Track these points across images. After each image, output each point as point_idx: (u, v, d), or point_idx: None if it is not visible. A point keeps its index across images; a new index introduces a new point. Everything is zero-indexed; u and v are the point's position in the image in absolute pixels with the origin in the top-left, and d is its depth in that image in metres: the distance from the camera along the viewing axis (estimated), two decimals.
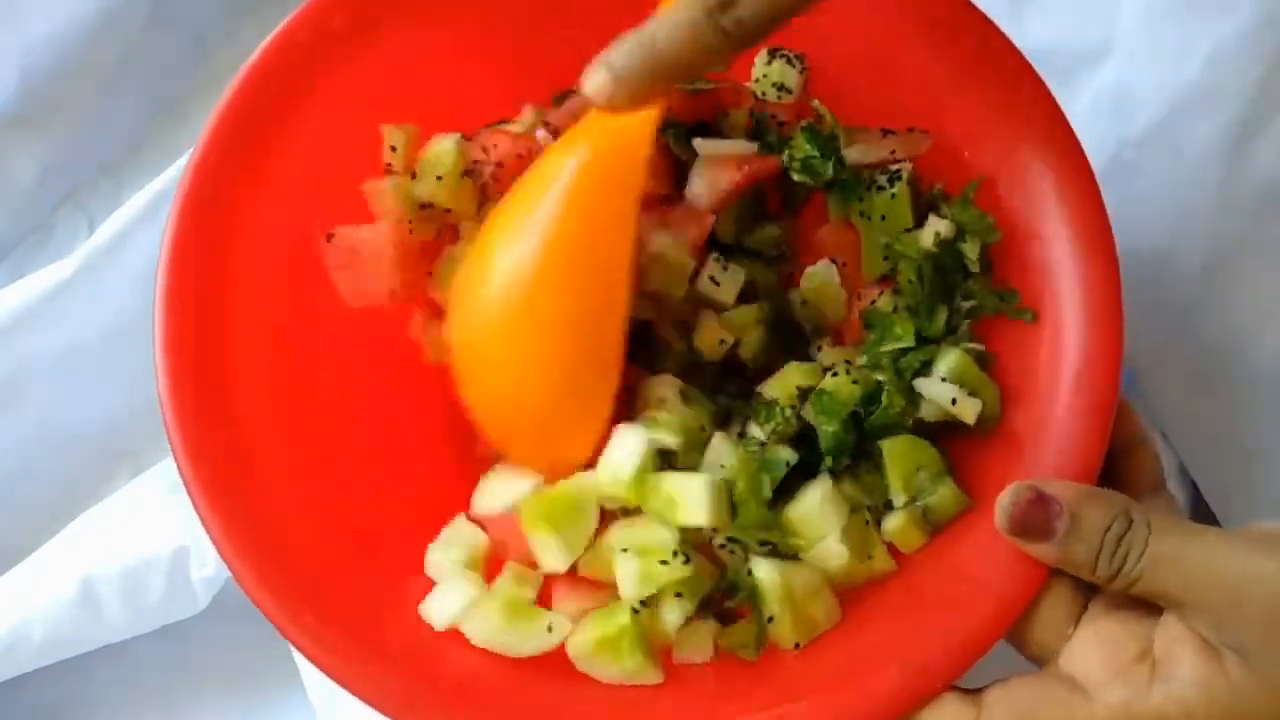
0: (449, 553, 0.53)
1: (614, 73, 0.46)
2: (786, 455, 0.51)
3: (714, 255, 0.56)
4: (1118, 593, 0.46)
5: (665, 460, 0.51)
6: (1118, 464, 0.52)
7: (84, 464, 0.69)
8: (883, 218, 0.55)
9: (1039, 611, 0.48)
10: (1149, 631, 0.46)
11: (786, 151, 0.56)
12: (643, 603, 0.50)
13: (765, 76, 0.58)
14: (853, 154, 0.56)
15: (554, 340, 0.51)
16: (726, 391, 0.56)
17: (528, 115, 0.59)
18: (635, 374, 0.55)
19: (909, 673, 0.47)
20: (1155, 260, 0.65)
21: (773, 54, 0.58)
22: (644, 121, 0.48)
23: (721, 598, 0.52)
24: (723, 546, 0.51)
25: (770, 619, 0.50)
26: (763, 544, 0.51)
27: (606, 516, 0.52)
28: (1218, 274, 0.64)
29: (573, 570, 0.51)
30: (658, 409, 0.53)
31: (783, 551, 0.51)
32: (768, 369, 0.55)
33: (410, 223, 0.57)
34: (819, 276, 0.58)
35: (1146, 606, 0.46)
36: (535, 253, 0.50)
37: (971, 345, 0.53)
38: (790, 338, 0.58)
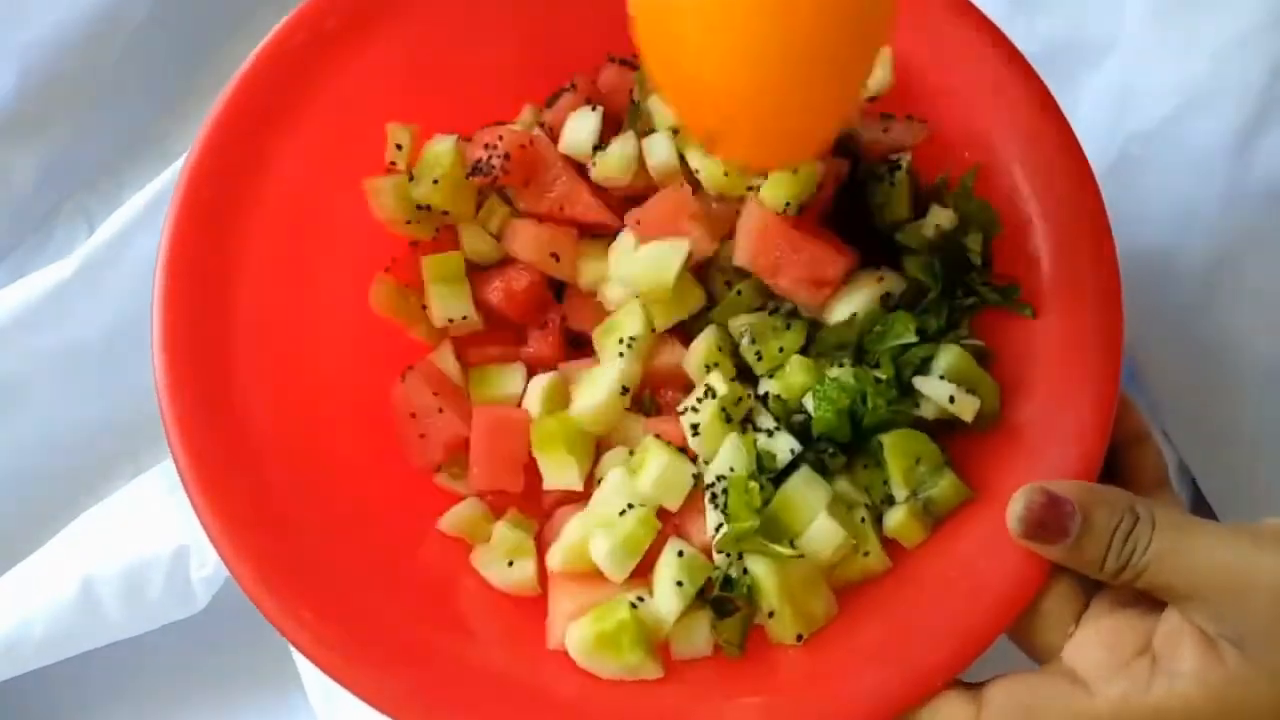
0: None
1: None
2: (790, 443, 0.52)
3: None
4: (1122, 587, 0.47)
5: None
6: (1121, 460, 0.52)
7: (84, 464, 0.69)
8: (881, 207, 0.55)
9: (1042, 608, 0.48)
10: (1150, 627, 0.46)
11: None
12: (640, 598, 0.50)
13: None
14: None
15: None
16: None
17: (526, 115, 0.59)
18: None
19: (910, 669, 0.47)
20: (1158, 257, 0.65)
21: None
22: None
23: (720, 599, 0.52)
24: (721, 553, 0.51)
25: (771, 613, 0.50)
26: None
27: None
28: (1221, 271, 0.64)
29: (569, 568, 0.52)
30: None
31: (778, 549, 0.51)
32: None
33: (409, 223, 0.57)
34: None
35: (1148, 603, 0.47)
36: None
37: (970, 342, 0.53)
38: None
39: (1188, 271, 0.65)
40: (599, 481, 0.54)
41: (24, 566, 0.65)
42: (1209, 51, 0.64)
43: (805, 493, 0.51)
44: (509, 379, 0.58)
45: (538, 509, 0.56)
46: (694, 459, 0.53)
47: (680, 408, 0.54)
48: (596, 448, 0.56)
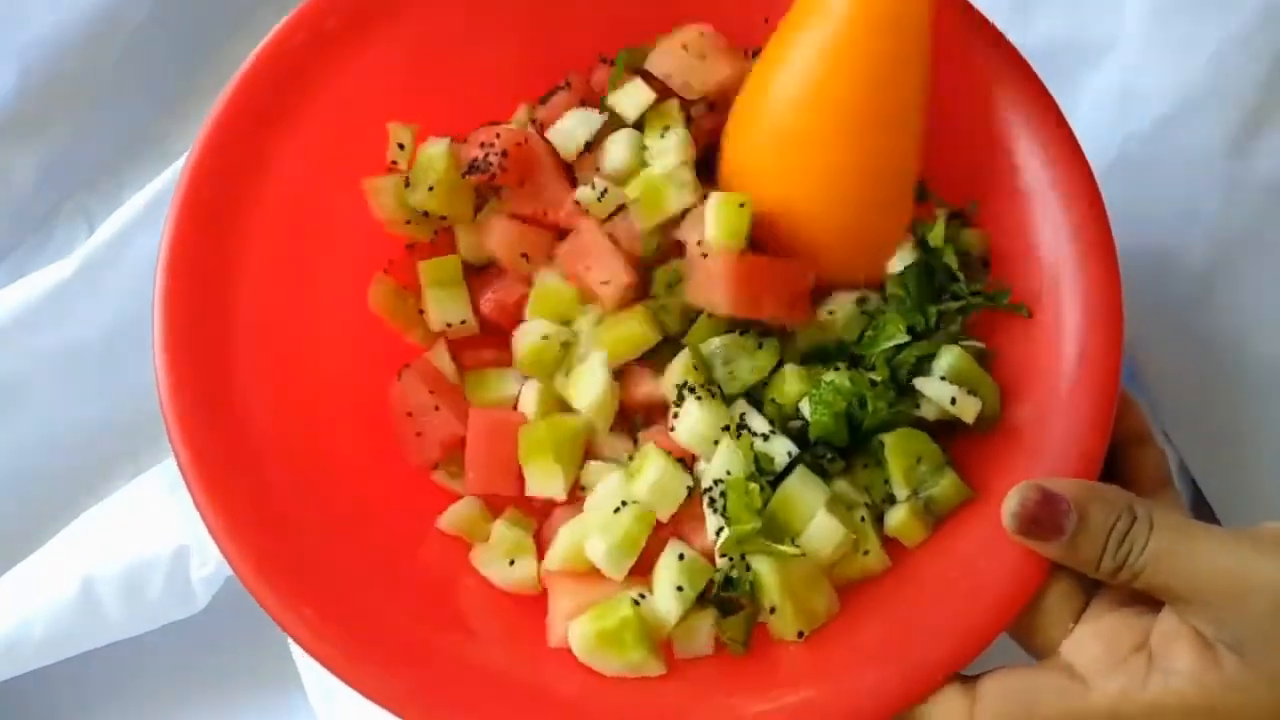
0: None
1: None
2: (788, 446, 0.52)
3: None
4: (1120, 587, 0.47)
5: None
6: (1122, 460, 0.52)
7: (84, 464, 0.69)
8: None
9: (1042, 606, 0.48)
10: (1148, 625, 0.46)
11: None
12: (642, 595, 0.50)
13: None
14: None
15: (850, 149, 0.53)
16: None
17: (521, 114, 0.59)
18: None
19: (910, 666, 0.47)
20: (1158, 257, 0.65)
21: None
22: None
23: (725, 598, 0.52)
24: (724, 556, 0.51)
25: (772, 609, 0.50)
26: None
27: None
28: (1221, 271, 0.64)
29: (568, 568, 0.52)
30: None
31: (780, 549, 0.51)
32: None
33: (409, 223, 0.57)
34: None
35: (1148, 602, 0.46)
36: (826, 69, 0.52)
37: (971, 343, 0.53)
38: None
39: (1188, 271, 0.65)
40: (584, 489, 0.54)
41: (24, 566, 0.65)
42: (1208, 51, 0.64)
43: (803, 491, 0.51)
44: (505, 382, 0.58)
45: (537, 508, 0.56)
46: (691, 467, 0.53)
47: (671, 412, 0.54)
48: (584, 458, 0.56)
